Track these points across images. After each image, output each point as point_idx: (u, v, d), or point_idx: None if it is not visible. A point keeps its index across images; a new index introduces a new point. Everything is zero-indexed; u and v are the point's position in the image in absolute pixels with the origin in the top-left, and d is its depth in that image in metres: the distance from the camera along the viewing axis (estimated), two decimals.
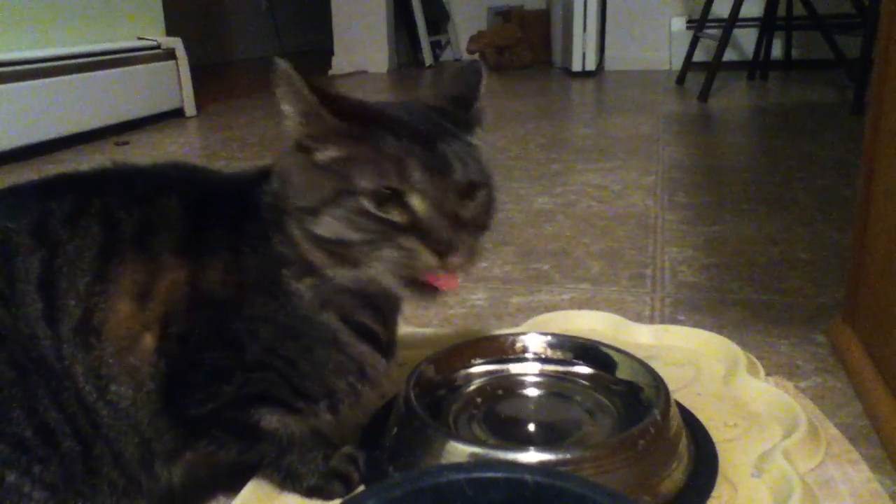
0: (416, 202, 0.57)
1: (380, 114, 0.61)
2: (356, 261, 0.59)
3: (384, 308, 0.67)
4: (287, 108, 0.59)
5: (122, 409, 0.59)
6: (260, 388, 0.62)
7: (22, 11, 2.40)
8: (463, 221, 0.59)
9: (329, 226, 0.58)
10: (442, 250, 0.57)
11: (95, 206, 0.61)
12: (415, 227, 0.57)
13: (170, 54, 2.94)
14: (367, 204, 0.57)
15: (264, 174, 0.65)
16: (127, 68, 2.72)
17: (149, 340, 0.59)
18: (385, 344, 0.67)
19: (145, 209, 0.62)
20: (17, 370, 0.56)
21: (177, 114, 2.98)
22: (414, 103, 0.66)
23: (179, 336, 0.60)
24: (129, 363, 0.59)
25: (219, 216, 0.63)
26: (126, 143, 2.52)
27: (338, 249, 0.59)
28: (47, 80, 2.36)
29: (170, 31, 3.05)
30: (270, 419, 0.64)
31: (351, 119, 0.59)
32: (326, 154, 0.59)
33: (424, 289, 0.60)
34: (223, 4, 5.67)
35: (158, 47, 2.89)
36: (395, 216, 0.57)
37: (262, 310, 0.62)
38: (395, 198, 0.57)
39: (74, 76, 2.47)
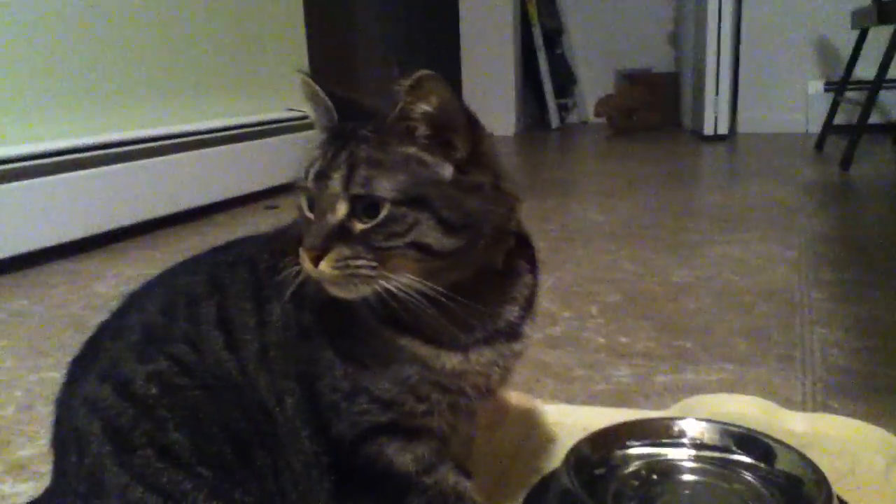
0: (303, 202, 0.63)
1: (358, 110, 0.66)
2: None
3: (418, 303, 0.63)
4: (310, 111, 0.67)
5: (289, 419, 0.67)
6: (365, 415, 0.67)
7: (189, 89, 2.65)
8: (348, 233, 0.59)
9: None
10: (306, 252, 0.59)
11: (245, 254, 0.72)
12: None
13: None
14: (301, 200, 0.63)
15: None
16: (278, 137, 2.93)
17: (291, 373, 0.67)
18: (447, 335, 0.66)
19: (272, 247, 0.71)
20: (206, 391, 0.65)
21: None
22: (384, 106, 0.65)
23: (299, 375, 0.68)
24: (288, 386, 0.67)
25: None
26: (276, 207, 2.70)
27: None
28: (208, 150, 2.58)
29: None
30: (397, 454, 0.67)
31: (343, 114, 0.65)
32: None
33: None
34: (359, 73, 5.98)
35: (306, 118, 3.10)
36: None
37: (331, 327, 0.67)
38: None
39: (231, 146, 2.69)
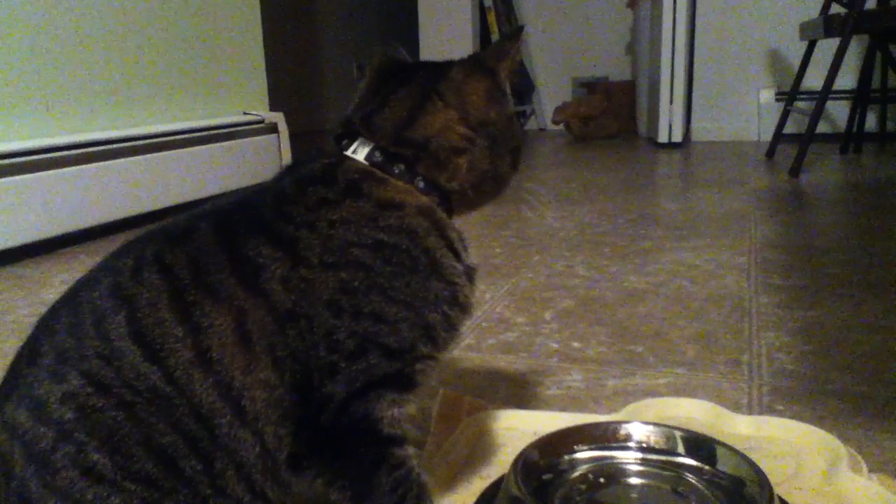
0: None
1: None
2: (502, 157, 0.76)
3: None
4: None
5: (249, 414, 0.64)
6: (371, 370, 0.66)
7: (142, 92, 2.61)
8: None
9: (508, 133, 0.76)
10: None
11: (147, 256, 0.66)
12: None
13: (272, 128, 3.12)
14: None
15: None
16: (233, 142, 2.90)
17: (265, 363, 0.64)
18: (467, 266, 0.73)
19: (187, 246, 0.67)
20: (125, 409, 0.62)
21: None
22: None
23: (283, 358, 0.65)
24: (259, 378, 0.64)
25: (251, 220, 0.68)
26: None
27: (506, 149, 0.76)
28: (162, 154, 2.54)
29: (272, 106, 3.24)
30: (386, 409, 0.66)
31: None
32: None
33: None
34: (319, 75, 5.96)
35: (263, 122, 3.08)
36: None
37: (325, 298, 0.66)
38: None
39: (186, 150, 2.65)
